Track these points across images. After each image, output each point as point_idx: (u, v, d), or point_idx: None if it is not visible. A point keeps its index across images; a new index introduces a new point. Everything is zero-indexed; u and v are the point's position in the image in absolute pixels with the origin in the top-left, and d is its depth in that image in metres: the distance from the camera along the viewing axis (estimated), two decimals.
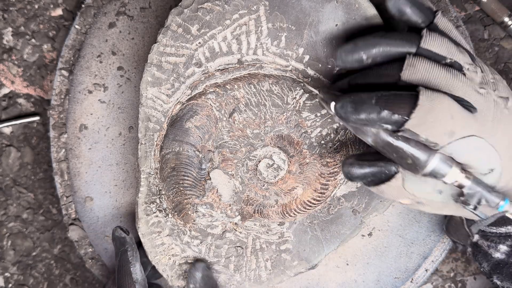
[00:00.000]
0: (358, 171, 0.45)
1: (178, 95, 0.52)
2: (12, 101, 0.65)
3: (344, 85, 0.47)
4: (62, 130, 0.61)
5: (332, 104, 0.43)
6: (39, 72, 0.65)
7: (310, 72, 0.52)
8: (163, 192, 0.54)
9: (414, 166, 0.41)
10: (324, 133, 0.53)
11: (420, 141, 0.40)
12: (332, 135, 0.53)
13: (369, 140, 0.43)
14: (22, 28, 0.64)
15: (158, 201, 0.54)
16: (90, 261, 0.62)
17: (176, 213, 0.55)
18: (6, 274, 0.66)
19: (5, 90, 0.65)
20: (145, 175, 0.54)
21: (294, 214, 0.55)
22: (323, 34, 0.50)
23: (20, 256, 0.66)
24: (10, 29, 0.64)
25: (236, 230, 0.55)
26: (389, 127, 0.40)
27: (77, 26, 0.60)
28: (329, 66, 0.51)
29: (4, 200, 0.66)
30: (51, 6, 0.64)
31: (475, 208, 0.42)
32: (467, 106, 0.41)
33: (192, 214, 0.54)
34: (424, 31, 0.42)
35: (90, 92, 0.60)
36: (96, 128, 0.60)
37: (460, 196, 0.43)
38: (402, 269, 0.60)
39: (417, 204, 0.45)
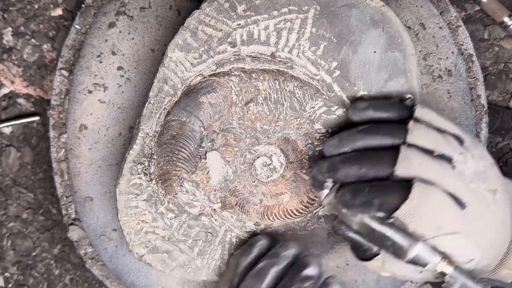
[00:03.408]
0: (344, 231, 0.47)
1: (202, 67, 0.52)
2: (12, 101, 0.65)
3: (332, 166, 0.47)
4: (62, 130, 0.61)
5: (324, 192, 0.47)
6: (39, 72, 0.65)
7: (336, 88, 0.52)
8: (155, 157, 0.54)
9: (396, 253, 0.43)
10: None
11: (406, 231, 0.42)
12: None
13: (354, 227, 0.45)
14: (22, 28, 0.64)
15: (146, 163, 0.54)
16: (90, 261, 0.62)
17: (160, 181, 0.54)
18: (6, 274, 0.67)
19: (5, 90, 0.65)
20: (143, 134, 0.53)
21: (273, 219, 0.55)
22: (360, 56, 0.51)
23: (20, 256, 0.66)
24: (10, 29, 0.64)
25: (212, 216, 0.55)
26: (380, 214, 0.43)
27: (77, 26, 0.60)
28: (355, 88, 0.51)
29: (4, 200, 0.66)
30: (51, 6, 0.64)
31: None
32: (457, 201, 0.42)
33: (176, 187, 0.54)
34: (410, 124, 0.43)
35: (90, 92, 0.60)
36: (96, 128, 0.60)
37: (441, 281, 0.44)
38: None
39: (399, 276, 0.47)
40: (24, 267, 0.67)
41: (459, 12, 0.64)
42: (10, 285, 0.67)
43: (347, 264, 0.60)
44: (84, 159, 0.61)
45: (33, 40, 0.65)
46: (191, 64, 0.52)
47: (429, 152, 0.43)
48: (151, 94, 0.52)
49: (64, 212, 0.61)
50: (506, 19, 0.62)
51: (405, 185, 0.42)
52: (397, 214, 0.42)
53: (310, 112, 0.52)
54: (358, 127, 0.47)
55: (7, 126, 0.65)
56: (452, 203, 0.42)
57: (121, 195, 0.54)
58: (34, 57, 0.65)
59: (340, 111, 0.52)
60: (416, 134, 0.43)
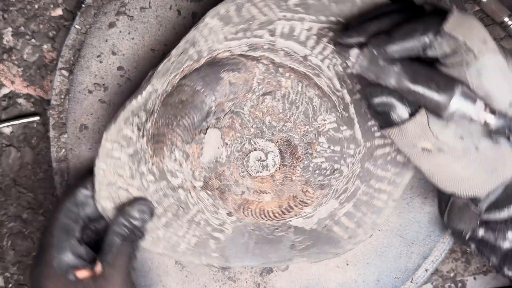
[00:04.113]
0: (381, 94, 0.43)
1: (234, 44, 0.50)
2: (12, 101, 0.65)
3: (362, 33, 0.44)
4: (62, 130, 0.61)
5: (353, 51, 0.42)
6: (39, 72, 0.65)
7: (352, 110, 0.51)
8: (155, 115, 0.51)
9: (438, 107, 0.41)
10: (323, 165, 0.53)
11: (455, 49, 0.39)
12: (328, 171, 0.53)
13: (391, 82, 0.42)
14: (22, 28, 0.64)
15: (144, 118, 0.51)
16: None
17: (152, 140, 0.52)
18: (6, 274, 0.66)
19: (5, 90, 0.65)
20: (151, 89, 0.49)
21: (247, 214, 0.54)
22: None
23: (20, 256, 0.66)
24: (10, 29, 0.64)
25: (190, 193, 0.53)
26: (426, 39, 0.40)
27: (77, 26, 0.60)
28: (368, 116, 0.51)
29: (4, 200, 0.66)
30: (51, 6, 0.64)
31: (509, 138, 0.41)
32: None
33: (165, 152, 0.52)
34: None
35: (90, 92, 0.60)
36: (96, 128, 0.60)
37: (489, 134, 0.41)
38: (402, 269, 0.60)
39: (437, 152, 0.44)
40: (24, 267, 0.67)
41: None
42: (10, 285, 0.67)
43: (347, 264, 0.60)
44: (84, 159, 0.61)
45: (33, 40, 0.65)
46: (225, 37, 0.49)
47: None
48: (173, 52, 0.49)
49: None
50: (506, 19, 0.62)
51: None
52: (447, 27, 0.40)
53: (320, 124, 0.52)
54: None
55: (7, 126, 0.65)
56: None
57: (107, 142, 0.50)
58: (34, 57, 0.65)
59: (347, 133, 0.52)
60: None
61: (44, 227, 0.52)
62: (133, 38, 0.60)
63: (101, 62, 0.60)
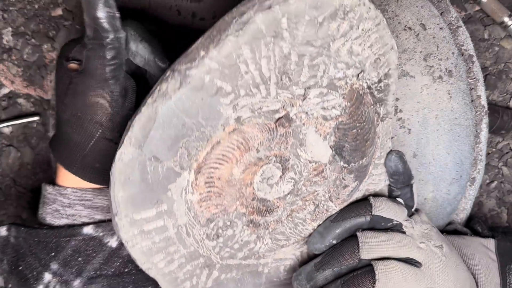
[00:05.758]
0: None
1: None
2: (12, 101, 0.65)
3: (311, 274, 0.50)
4: None
5: None
6: (39, 72, 0.65)
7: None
8: None
9: None
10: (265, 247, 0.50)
11: None
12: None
13: None
14: (22, 28, 0.64)
15: None
16: None
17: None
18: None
19: (5, 90, 0.65)
20: None
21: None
22: None
23: None
24: (10, 29, 0.64)
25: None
26: None
27: (77, 26, 0.60)
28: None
29: (4, 200, 0.66)
30: (51, 6, 0.64)
31: None
32: (413, 262, 0.47)
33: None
34: (371, 199, 0.50)
35: None
36: None
37: None
38: None
39: None
40: None
41: (459, 12, 0.64)
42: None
43: None
44: None
45: (33, 40, 0.65)
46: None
47: (386, 224, 0.49)
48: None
49: None
50: (506, 19, 0.62)
51: (369, 270, 0.46)
52: None
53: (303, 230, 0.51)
54: (330, 217, 0.51)
55: (7, 126, 0.65)
56: (410, 267, 0.47)
57: None
58: (34, 57, 0.65)
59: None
60: (380, 207, 0.49)
61: None
62: None
63: None
